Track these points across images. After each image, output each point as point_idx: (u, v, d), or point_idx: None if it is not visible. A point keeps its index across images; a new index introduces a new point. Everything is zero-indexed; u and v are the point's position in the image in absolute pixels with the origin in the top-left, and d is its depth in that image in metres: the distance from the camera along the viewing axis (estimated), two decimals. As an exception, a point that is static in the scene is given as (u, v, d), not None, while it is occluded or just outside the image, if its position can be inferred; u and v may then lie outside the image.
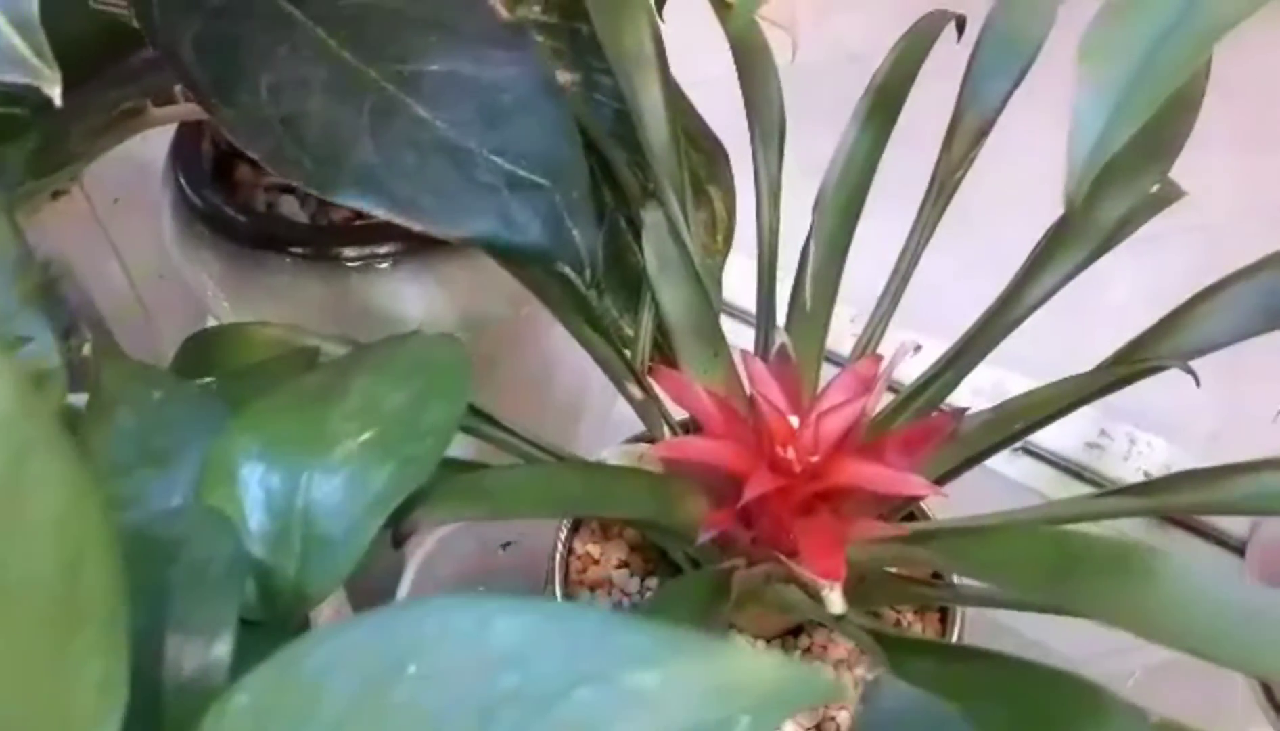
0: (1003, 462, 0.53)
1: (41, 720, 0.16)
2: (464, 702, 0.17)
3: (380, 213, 0.26)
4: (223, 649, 0.19)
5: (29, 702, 0.16)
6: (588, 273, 0.28)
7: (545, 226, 0.27)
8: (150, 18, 0.28)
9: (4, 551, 0.16)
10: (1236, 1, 0.17)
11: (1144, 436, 0.54)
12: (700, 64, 0.40)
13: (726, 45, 0.35)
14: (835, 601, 0.27)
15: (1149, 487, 0.27)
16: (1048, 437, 0.53)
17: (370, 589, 0.53)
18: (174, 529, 0.21)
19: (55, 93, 0.19)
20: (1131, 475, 0.52)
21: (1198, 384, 0.29)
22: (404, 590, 0.53)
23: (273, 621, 0.23)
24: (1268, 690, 0.44)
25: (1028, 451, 0.53)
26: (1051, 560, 0.23)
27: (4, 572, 0.16)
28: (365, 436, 0.23)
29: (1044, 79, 0.34)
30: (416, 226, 0.26)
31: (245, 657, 0.19)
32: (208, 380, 0.29)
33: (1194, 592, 0.22)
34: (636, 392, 0.33)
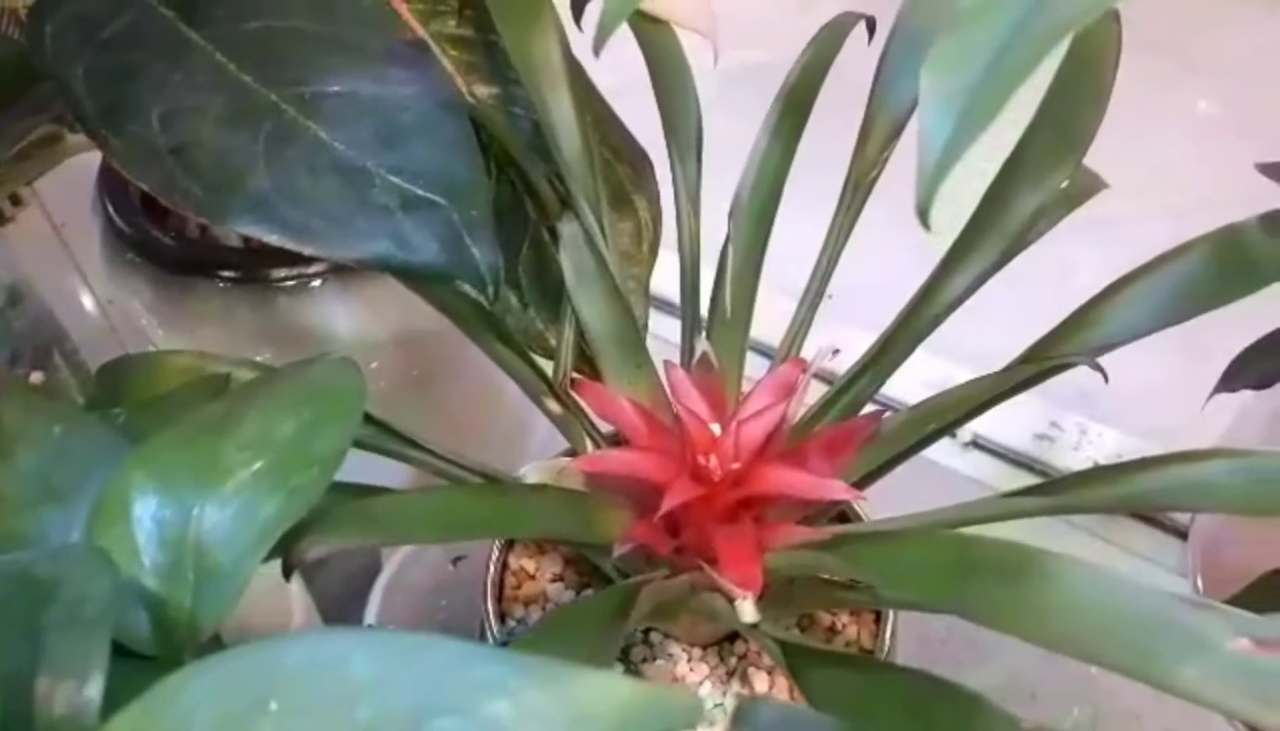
0: (953, 457, 0.53)
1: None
2: (324, 736, 0.17)
3: (272, 239, 0.26)
4: (94, 689, 0.18)
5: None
6: (490, 290, 0.27)
7: (443, 245, 0.27)
8: (43, 48, 0.28)
9: None
10: (1079, 4, 0.17)
11: (1095, 426, 0.54)
12: (627, 71, 0.40)
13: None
14: (747, 610, 0.27)
15: (1060, 486, 0.27)
16: (999, 430, 0.53)
17: (343, 594, 0.53)
18: (55, 568, 0.21)
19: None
20: (1081, 466, 0.52)
21: (1106, 380, 0.29)
22: (375, 597, 0.53)
23: (168, 654, 0.23)
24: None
25: (978, 445, 0.53)
26: (950, 566, 0.23)
27: None
28: (257, 466, 0.23)
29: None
30: (308, 251, 0.26)
31: (138, 694, 0.19)
32: (117, 411, 0.29)
33: (1087, 598, 0.21)
34: (554, 407, 0.33)
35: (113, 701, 0.20)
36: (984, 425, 0.53)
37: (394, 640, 0.17)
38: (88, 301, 0.65)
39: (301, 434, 0.23)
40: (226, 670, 0.18)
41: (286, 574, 0.23)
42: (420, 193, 0.27)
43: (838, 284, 0.37)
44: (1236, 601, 0.30)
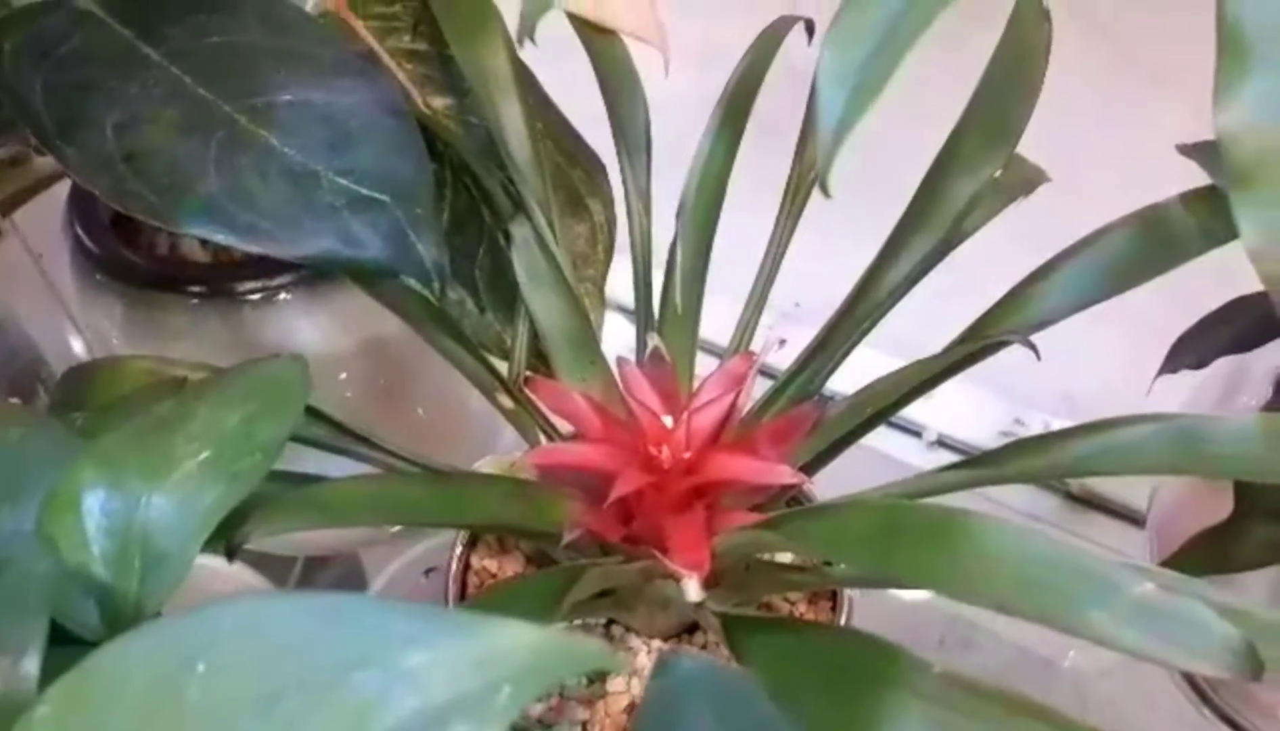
0: (918, 455, 0.53)
1: None
2: (250, 693, 0.17)
3: (221, 239, 0.27)
4: (30, 665, 0.19)
5: None
6: (436, 284, 0.28)
7: (387, 241, 0.28)
8: (0, 66, 0.29)
9: None
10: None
11: (1058, 423, 0.54)
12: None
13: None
14: (692, 589, 0.28)
15: (986, 459, 0.28)
16: (963, 429, 0.54)
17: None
18: (0, 554, 0.21)
19: None
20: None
21: (1038, 357, 0.29)
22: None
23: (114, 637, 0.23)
24: (1190, 679, 0.44)
25: (943, 444, 0.54)
26: (878, 533, 0.24)
27: None
28: (204, 456, 0.24)
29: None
30: (255, 249, 0.27)
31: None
32: (76, 415, 0.29)
33: (1007, 553, 0.22)
34: (507, 403, 0.34)
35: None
36: (948, 424, 0.54)
37: (318, 601, 0.18)
38: (68, 330, 0.66)
39: (246, 424, 0.24)
40: (158, 636, 0.18)
41: (230, 557, 0.23)
42: (366, 192, 0.28)
43: (805, 294, 0.38)
44: (1172, 563, 0.31)
